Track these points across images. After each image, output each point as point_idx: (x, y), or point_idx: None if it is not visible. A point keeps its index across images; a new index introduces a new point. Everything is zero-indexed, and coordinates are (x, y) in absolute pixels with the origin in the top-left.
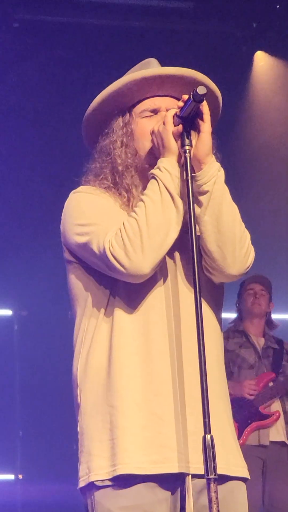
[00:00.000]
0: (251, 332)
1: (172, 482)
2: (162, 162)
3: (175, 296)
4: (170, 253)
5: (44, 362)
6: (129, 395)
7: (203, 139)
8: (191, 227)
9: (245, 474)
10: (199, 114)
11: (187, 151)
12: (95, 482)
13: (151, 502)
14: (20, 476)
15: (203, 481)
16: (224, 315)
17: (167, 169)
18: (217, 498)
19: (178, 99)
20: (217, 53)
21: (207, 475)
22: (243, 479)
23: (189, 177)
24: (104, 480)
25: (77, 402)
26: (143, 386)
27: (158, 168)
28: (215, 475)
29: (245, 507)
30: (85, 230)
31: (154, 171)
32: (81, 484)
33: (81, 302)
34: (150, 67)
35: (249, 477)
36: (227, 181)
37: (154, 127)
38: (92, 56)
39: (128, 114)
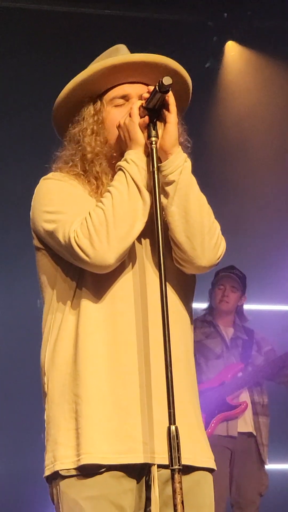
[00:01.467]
0: (220, 322)
1: (138, 472)
2: (129, 154)
3: (143, 286)
4: (138, 243)
5: (10, 350)
6: (94, 384)
7: (169, 129)
8: (156, 219)
9: (212, 465)
10: (165, 105)
11: (153, 142)
12: (60, 472)
13: (116, 492)
14: None
15: (169, 471)
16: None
17: (134, 161)
18: (181, 488)
19: (149, 85)
20: (189, 43)
21: (171, 466)
22: (210, 470)
23: (155, 168)
24: (70, 469)
25: (44, 391)
26: (109, 376)
27: (125, 160)
28: (179, 465)
29: (211, 498)
30: (52, 218)
31: (121, 163)
32: (47, 472)
33: (49, 290)
34: (120, 54)
35: (215, 468)
36: (198, 172)
37: (121, 121)
38: (63, 44)
39: (99, 101)
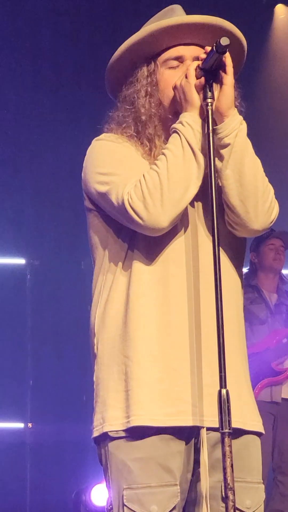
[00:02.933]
0: (264, 288)
1: (187, 435)
2: (184, 117)
3: (195, 249)
4: (191, 206)
5: (56, 311)
6: (144, 346)
7: (226, 91)
8: (211, 182)
9: (260, 428)
10: (221, 66)
11: (209, 104)
12: (109, 433)
13: (165, 454)
14: (29, 425)
15: (218, 434)
16: None
17: (189, 123)
18: (231, 452)
19: (203, 47)
20: (238, 6)
21: (222, 429)
22: (258, 434)
23: (210, 131)
24: (118, 431)
25: (93, 352)
26: (159, 338)
27: (181, 122)
28: (229, 429)
29: (259, 462)
30: (105, 180)
31: (176, 125)
32: (95, 434)
33: (100, 252)
34: (175, 15)
35: (263, 432)
36: (250, 134)
37: (177, 82)
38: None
39: (153, 63)
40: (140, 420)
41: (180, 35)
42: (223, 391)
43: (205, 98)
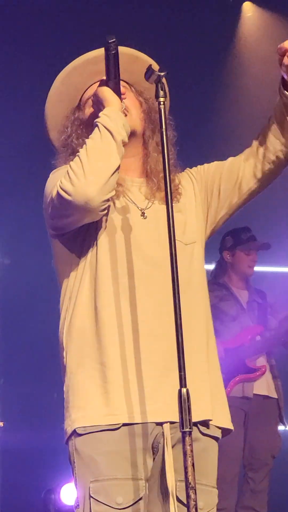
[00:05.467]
0: (234, 285)
1: (152, 432)
2: (102, 112)
3: (157, 258)
4: (148, 230)
5: (25, 311)
6: (116, 351)
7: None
8: (165, 182)
9: (229, 425)
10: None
11: (161, 102)
12: (77, 430)
13: (130, 450)
14: (1, 424)
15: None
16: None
17: (105, 113)
18: (191, 451)
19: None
20: (205, 3)
21: (182, 428)
22: (227, 431)
23: (164, 129)
24: (86, 427)
25: (63, 364)
26: (129, 343)
27: (98, 116)
28: (190, 428)
29: (215, 467)
30: None
31: (96, 120)
32: (66, 436)
33: (65, 271)
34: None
35: (232, 429)
36: (215, 129)
37: (93, 97)
38: None
39: (77, 107)
40: (105, 418)
41: (85, 75)
42: (183, 390)
43: (157, 97)
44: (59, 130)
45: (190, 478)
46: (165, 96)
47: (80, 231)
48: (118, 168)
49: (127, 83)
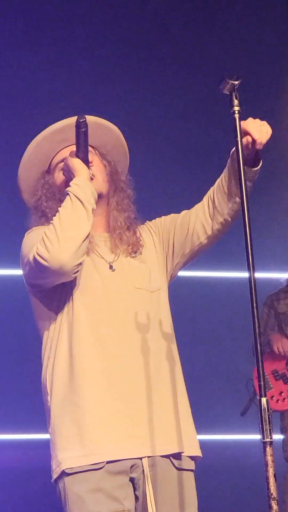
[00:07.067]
0: None
1: (132, 467)
2: (72, 181)
3: (128, 310)
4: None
5: (21, 319)
6: (92, 395)
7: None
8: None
9: (197, 452)
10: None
11: (236, 111)
12: (65, 470)
13: (111, 486)
14: None
15: (163, 470)
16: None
17: (75, 183)
18: (273, 461)
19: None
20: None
21: (263, 439)
22: (195, 458)
23: (238, 138)
24: (73, 467)
25: (47, 406)
26: (105, 387)
27: (69, 186)
28: (270, 438)
29: (195, 497)
30: None
31: (67, 188)
32: (55, 476)
33: (44, 325)
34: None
35: (200, 455)
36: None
37: (63, 167)
38: None
39: (47, 171)
40: (91, 458)
41: (54, 143)
42: (263, 400)
43: (232, 106)
44: (31, 192)
45: (272, 488)
46: (240, 106)
47: (56, 287)
48: (88, 234)
49: (92, 147)
